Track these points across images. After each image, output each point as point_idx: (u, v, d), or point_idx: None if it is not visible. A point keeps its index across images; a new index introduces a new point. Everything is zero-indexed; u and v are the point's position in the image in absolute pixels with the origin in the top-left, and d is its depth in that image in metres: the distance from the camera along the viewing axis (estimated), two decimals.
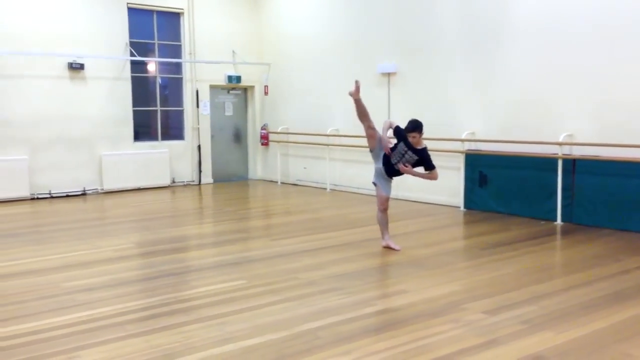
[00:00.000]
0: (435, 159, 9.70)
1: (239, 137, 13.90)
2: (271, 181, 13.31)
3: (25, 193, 10.70)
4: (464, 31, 9.40)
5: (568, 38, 8.13)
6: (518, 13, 8.69)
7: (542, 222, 8.26)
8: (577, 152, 8.14)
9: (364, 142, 10.61)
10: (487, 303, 4.87)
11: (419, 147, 6.49)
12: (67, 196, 11.17)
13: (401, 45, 10.37)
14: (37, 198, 10.88)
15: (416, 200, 10.13)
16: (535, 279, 5.60)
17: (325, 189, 11.80)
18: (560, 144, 8.13)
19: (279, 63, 13.11)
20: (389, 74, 10.58)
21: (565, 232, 7.76)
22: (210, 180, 13.08)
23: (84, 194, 11.41)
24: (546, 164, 8.32)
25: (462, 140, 9.31)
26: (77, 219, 9.15)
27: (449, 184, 9.64)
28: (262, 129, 13.56)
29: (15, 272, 6.03)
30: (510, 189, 8.85)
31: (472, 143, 9.34)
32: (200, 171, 12.87)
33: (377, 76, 10.73)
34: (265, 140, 13.48)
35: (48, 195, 11.01)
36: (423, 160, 6.53)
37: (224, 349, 3.99)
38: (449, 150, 9.53)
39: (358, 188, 11.19)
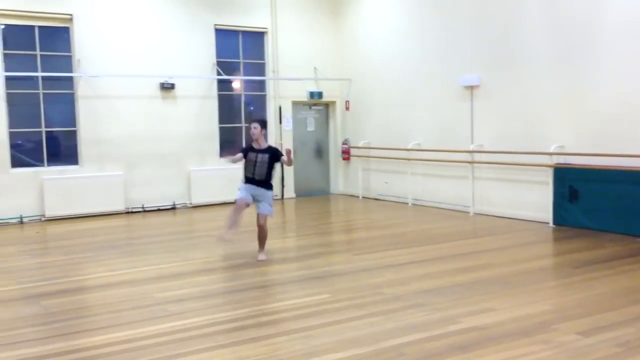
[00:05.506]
0: (521, 173, 9.64)
1: (320, 152, 14.07)
2: (352, 196, 13.34)
3: (120, 207, 11.28)
4: (551, 39, 9.11)
5: None
6: (610, 18, 8.33)
7: (638, 239, 7.83)
8: None
9: (446, 156, 10.56)
10: (580, 324, 4.67)
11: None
12: (159, 210, 11.68)
13: (484, 57, 10.18)
14: (131, 212, 11.44)
15: (502, 215, 9.87)
16: (632, 299, 5.31)
17: (406, 203, 11.71)
18: None
19: (360, 78, 13.19)
20: (471, 87, 10.40)
21: None
22: (293, 194, 13.29)
23: (173, 207, 11.88)
24: None
25: (550, 154, 9.00)
26: (168, 232, 9.55)
27: (536, 199, 9.34)
28: (343, 143, 13.66)
29: (112, 282, 6.37)
30: (603, 204, 8.45)
31: (561, 157, 9.01)
32: (283, 186, 13.10)
33: (460, 89, 10.58)
34: (346, 155, 13.56)
35: (141, 209, 11.55)
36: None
37: None
38: (536, 164, 9.23)
39: (440, 202, 11.03)
